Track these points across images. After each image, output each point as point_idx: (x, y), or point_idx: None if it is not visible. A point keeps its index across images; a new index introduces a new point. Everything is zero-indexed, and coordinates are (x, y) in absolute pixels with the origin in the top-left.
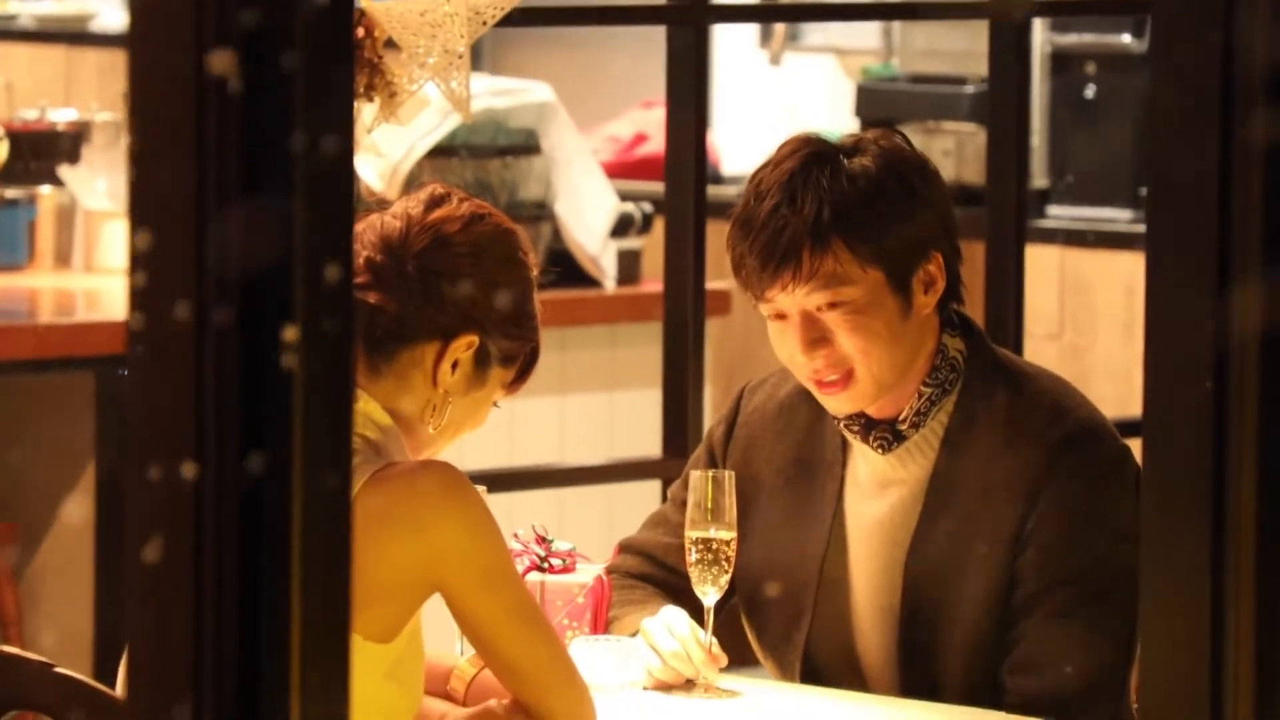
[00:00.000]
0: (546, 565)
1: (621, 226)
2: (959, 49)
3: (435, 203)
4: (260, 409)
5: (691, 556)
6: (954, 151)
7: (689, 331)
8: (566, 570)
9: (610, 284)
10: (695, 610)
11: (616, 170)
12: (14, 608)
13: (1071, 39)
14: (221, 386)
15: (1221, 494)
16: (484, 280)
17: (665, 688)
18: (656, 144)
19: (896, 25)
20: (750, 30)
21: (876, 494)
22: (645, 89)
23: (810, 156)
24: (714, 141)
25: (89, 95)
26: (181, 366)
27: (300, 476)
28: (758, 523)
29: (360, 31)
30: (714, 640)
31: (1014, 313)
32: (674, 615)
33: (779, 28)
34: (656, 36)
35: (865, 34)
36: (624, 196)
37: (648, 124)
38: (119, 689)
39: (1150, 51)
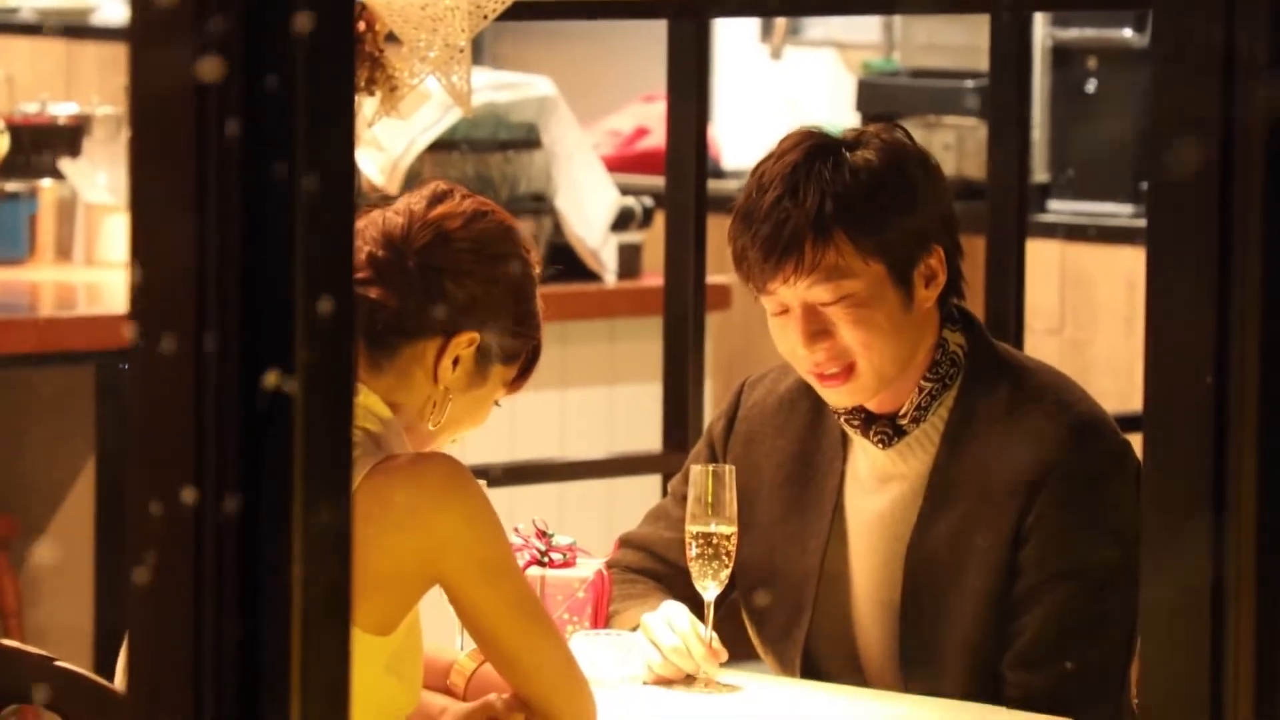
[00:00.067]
0: (547, 560)
1: (622, 221)
2: (960, 43)
3: (438, 199)
4: (259, 425)
5: (692, 551)
6: (955, 146)
7: (689, 326)
8: (567, 565)
9: (611, 278)
10: (695, 605)
11: (617, 164)
12: (14, 601)
13: (1072, 33)
14: (222, 400)
15: (1222, 489)
16: (486, 277)
17: (665, 683)
18: (657, 138)
19: (898, 20)
20: (751, 24)
21: (877, 489)
22: (646, 83)
23: (813, 149)
24: (715, 136)
25: (90, 89)
26: (182, 382)
27: (301, 475)
28: (758, 517)
29: (361, 25)
30: (714, 635)
31: (1015, 307)
32: (674, 610)
33: (780, 22)
34: (657, 30)
35: (866, 28)
36: (624, 191)
37: (648, 118)
38: (118, 681)
39: (1151, 46)
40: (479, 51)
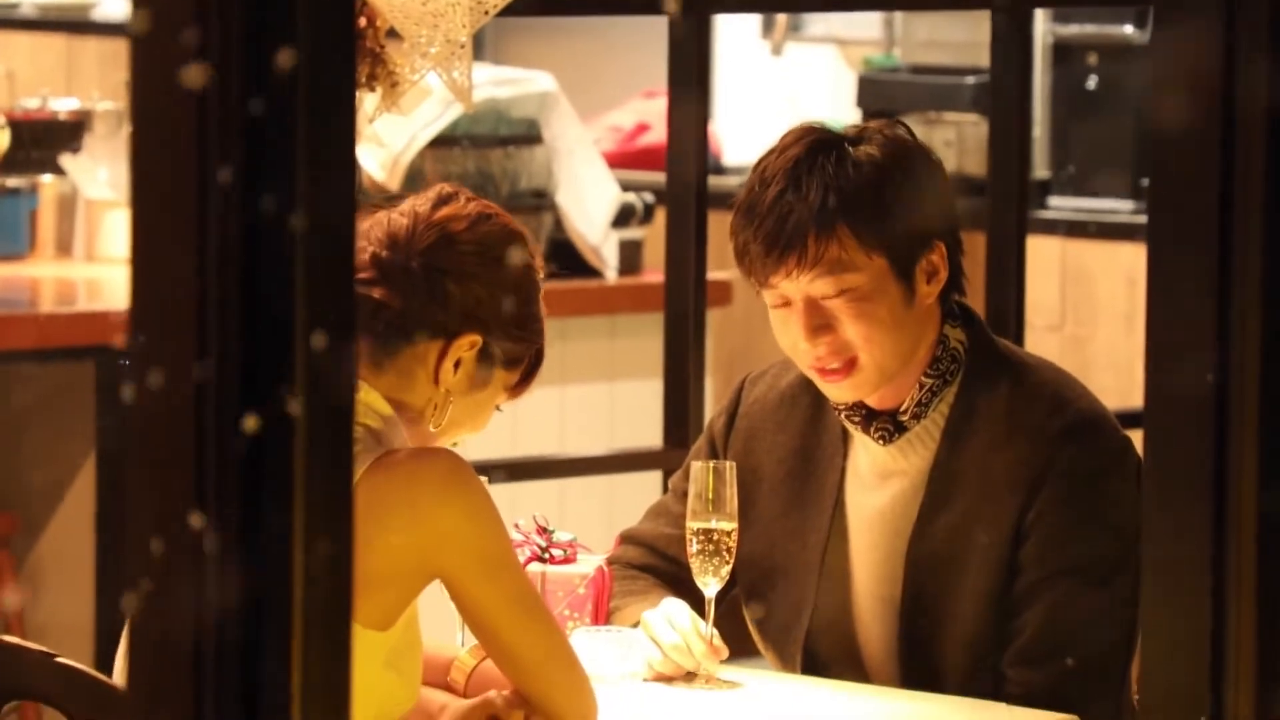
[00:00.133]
0: (548, 556)
1: (623, 216)
2: (960, 40)
3: (443, 201)
4: (260, 439)
5: (693, 547)
6: (955, 142)
7: (690, 322)
8: (567, 561)
9: (611, 274)
10: (696, 601)
11: (618, 160)
12: (15, 597)
13: (1073, 30)
14: (223, 400)
15: (1223, 485)
16: (489, 280)
17: (666, 679)
18: (658, 134)
19: (898, 16)
20: (752, 20)
21: (877, 485)
22: (647, 79)
23: (815, 143)
24: (715, 132)
25: (90, 84)
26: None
27: (302, 474)
28: (759, 514)
29: (362, 21)
30: (715, 632)
31: (1015, 304)
32: (675, 607)
33: (781, 18)
34: (658, 26)
35: (867, 25)
36: (625, 186)
37: (649, 114)
38: (116, 677)
39: (1152, 42)
40: (480, 47)
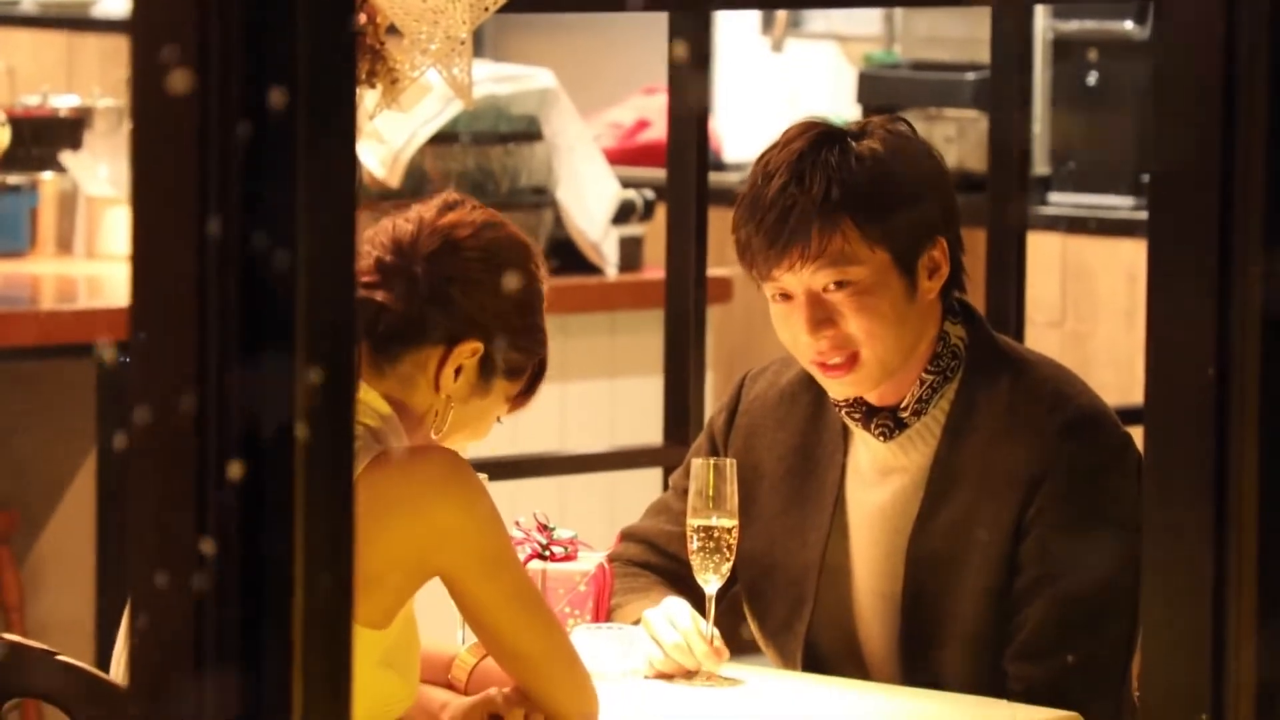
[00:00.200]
0: (548, 553)
1: (623, 213)
2: (961, 36)
3: (448, 208)
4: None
5: (693, 544)
6: (956, 138)
7: (690, 319)
8: (568, 558)
9: (612, 271)
10: (697, 598)
11: (618, 157)
12: (16, 595)
13: (1073, 26)
14: (225, 403)
15: (1223, 481)
16: (492, 287)
17: (666, 676)
18: (658, 130)
19: (898, 12)
20: (752, 17)
21: (878, 482)
22: (647, 75)
23: (819, 137)
24: (716, 128)
25: (91, 81)
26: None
27: (303, 470)
28: (759, 511)
29: (362, 18)
30: (716, 633)
31: (1015, 300)
32: (676, 606)
33: (781, 14)
34: (658, 23)
35: (867, 21)
36: (625, 183)
37: (649, 110)
38: (113, 672)
39: (1153, 38)
40: (480, 44)
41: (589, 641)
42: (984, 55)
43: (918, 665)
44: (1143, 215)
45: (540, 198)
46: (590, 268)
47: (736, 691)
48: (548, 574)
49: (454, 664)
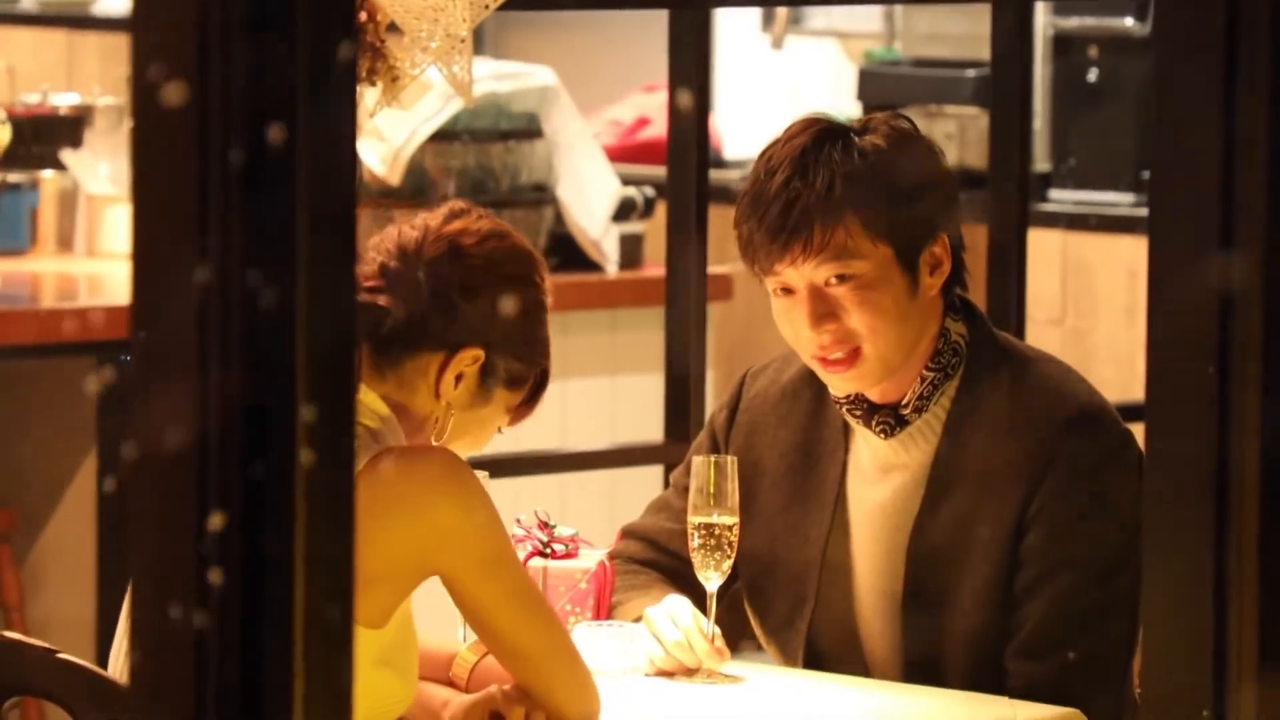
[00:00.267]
0: (549, 551)
1: (623, 210)
2: (961, 32)
3: (454, 215)
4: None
5: (694, 542)
6: (956, 135)
7: (691, 316)
8: (569, 556)
9: (612, 268)
10: (698, 596)
11: (618, 154)
12: (16, 593)
13: (1074, 22)
14: (226, 407)
15: (1224, 478)
16: (494, 296)
17: (667, 674)
18: (658, 128)
19: (899, 9)
20: (752, 14)
21: (879, 479)
22: (647, 72)
23: (822, 132)
24: (716, 125)
25: (91, 79)
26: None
27: (304, 470)
28: (760, 508)
29: (363, 16)
30: (718, 632)
31: (1016, 297)
32: (677, 604)
33: (781, 11)
34: (659, 20)
35: (867, 17)
36: (626, 180)
37: (650, 108)
38: (111, 669)
39: (1153, 34)
40: (480, 41)
41: (590, 639)
42: (984, 52)
43: (918, 662)
44: (1143, 212)
45: (540, 195)
46: (591, 265)
47: (737, 688)
48: (549, 571)
49: (455, 662)
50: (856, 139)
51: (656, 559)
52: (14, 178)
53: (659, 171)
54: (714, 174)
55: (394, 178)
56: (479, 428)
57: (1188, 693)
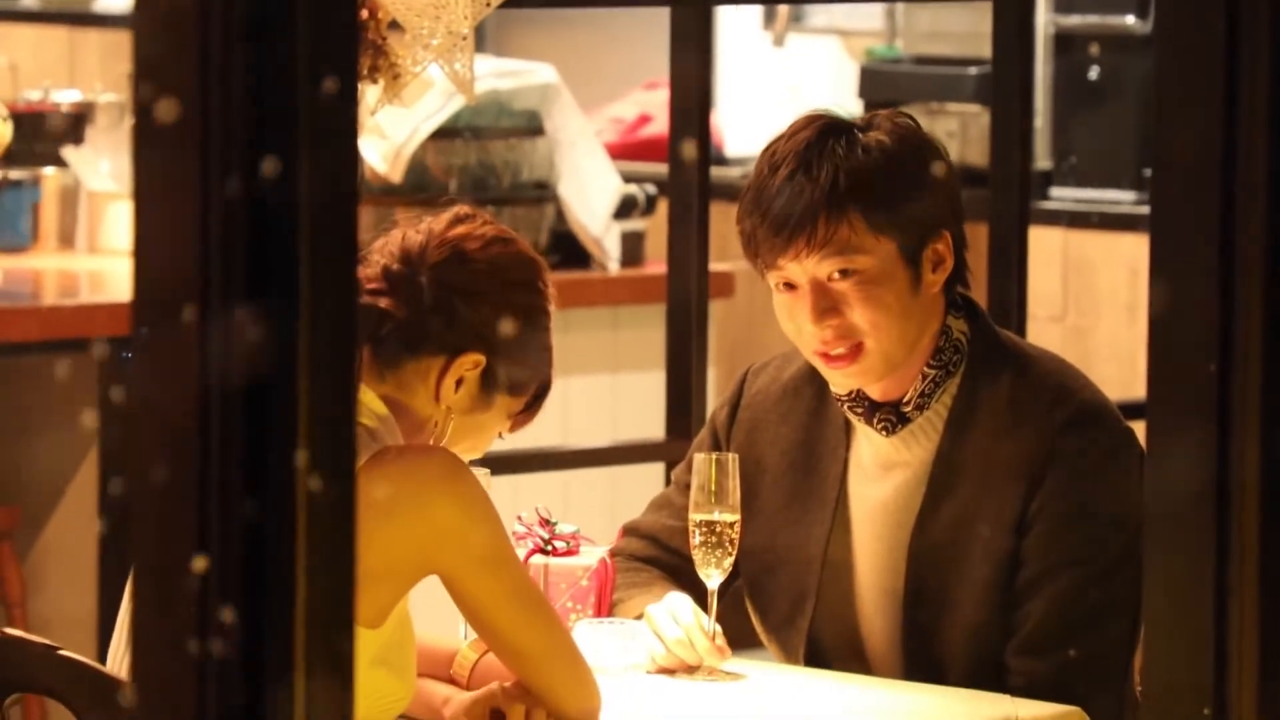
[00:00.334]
0: (550, 548)
1: (625, 208)
2: (963, 30)
3: (459, 220)
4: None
5: (695, 539)
6: (958, 133)
7: (692, 313)
8: (570, 553)
9: (613, 266)
10: (699, 593)
11: (620, 151)
12: (18, 590)
13: (1075, 20)
14: (227, 406)
15: (1225, 476)
16: (497, 301)
17: (668, 671)
18: (660, 125)
19: (900, 6)
20: (754, 11)
21: (880, 476)
22: (649, 70)
23: (826, 128)
24: (717, 123)
25: (93, 76)
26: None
27: (304, 471)
28: (762, 505)
29: (364, 13)
30: (719, 631)
31: (1017, 295)
32: (678, 602)
33: (782, 9)
34: (660, 18)
35: (869, 15)
36: (627, 178)
37: (651, 105)
38: (110, 666)
39: (1154, 32)
40: (481, 39)
41: (591, 636)
42: (986, 50)
43: (920, 660)
44: (1144, 210)
45: (542, 193)
46: (592, 262)
47: (738, 685)
48: (550, 569)
49: (456, 659)
50: (860, 135)
51: (658, 556)
52: (15, 174)
53: (660, 169)
54: (715, 171)
55: (395, 175)
56: (479, 432)
57: (1188, 691)
